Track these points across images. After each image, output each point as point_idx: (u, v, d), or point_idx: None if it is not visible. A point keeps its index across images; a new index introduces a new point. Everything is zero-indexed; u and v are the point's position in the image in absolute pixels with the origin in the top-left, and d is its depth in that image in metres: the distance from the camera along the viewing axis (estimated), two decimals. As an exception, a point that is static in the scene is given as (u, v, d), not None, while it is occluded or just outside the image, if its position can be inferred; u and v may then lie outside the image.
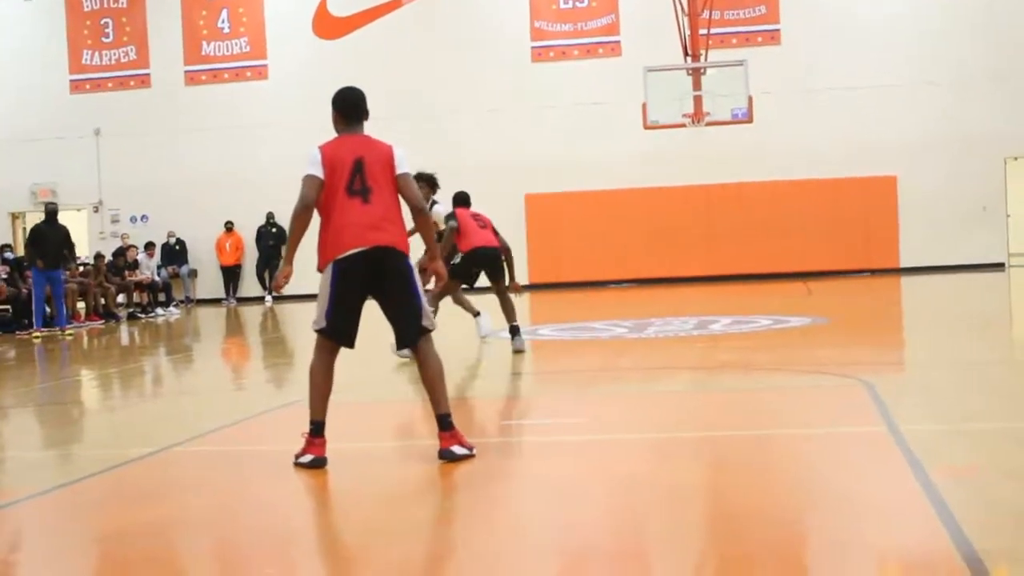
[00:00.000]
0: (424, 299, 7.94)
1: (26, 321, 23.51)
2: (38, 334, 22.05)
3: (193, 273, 31.84)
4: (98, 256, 27.72)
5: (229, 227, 31.35)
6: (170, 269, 30.97)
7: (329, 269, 7.73)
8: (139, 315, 27.45)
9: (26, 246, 23.96)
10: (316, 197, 7.73)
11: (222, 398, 12.29)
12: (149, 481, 7.97)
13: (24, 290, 23.72)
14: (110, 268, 27.46)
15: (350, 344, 7.89)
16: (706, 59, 24.92)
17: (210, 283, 32.06)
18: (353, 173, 7.73)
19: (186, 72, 32.24)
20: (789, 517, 6.14)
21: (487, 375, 12.95)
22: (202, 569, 5.88)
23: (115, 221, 32.53)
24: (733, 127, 25.47)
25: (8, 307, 24.08)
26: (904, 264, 28.95)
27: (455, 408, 7.97)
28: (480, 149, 29.49)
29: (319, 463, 7.71)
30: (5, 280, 23.45)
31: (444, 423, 7.74)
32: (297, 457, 7.79)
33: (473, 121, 29.83)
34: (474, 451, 7.71)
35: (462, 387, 11.63)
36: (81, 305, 25.69)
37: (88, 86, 32.68)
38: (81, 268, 26.92)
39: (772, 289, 24.66)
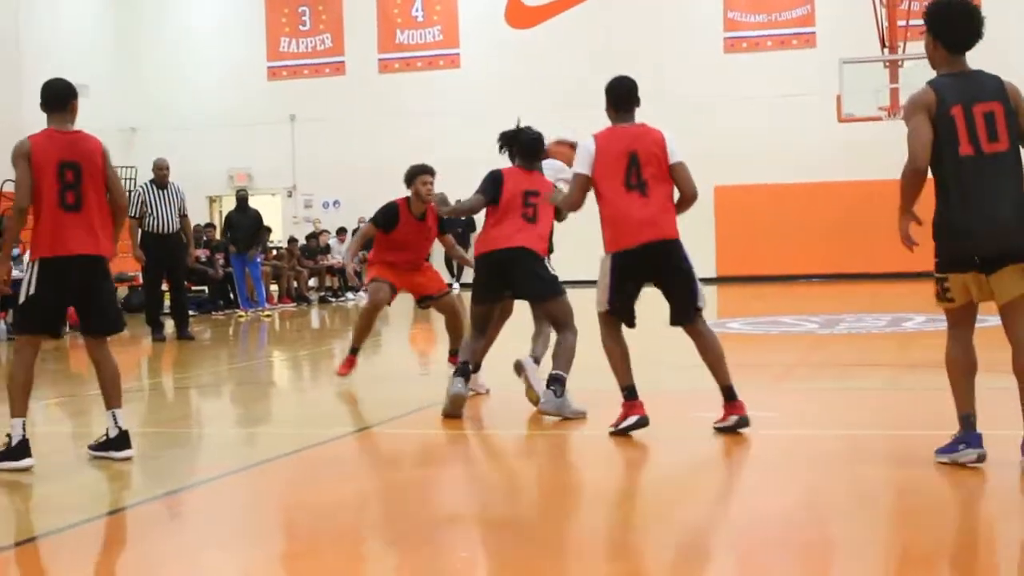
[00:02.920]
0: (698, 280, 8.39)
1: (221, 302, 24.14)
2: (243, 314, 22.69)
3: (383, 259, 32.21)
4: (291, 240, 28.26)
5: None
6: (361, 254, 31.37)
7: (609, 259, 8.09)
8: (330, 299, 27.92)
9: (222, 233, 24.74)
10: (583, 198, 8.17)
11: (410, 382, 12.41)
12: (345, 460, 8.10)
13: (221, 272, 24.31)
14: (303, 252, 27.98)
15: (631, 323, 8.39)
16: (904, 51, 24.41)
17: (399, 269, 32.39)
18: (629, 167, 7.97)
19: (380, 60, 32.69)
20: (977, 515, 6.01)
21: (676, 368, 12.86)
22: (394, 545, 5.93)
23: (308, 206, 33.14)
24: (931, 121, 24.88)
25: (204, 288, 24.71)
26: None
27: (649, 401, 8.04)
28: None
29: (644, 422, 8.10)
30: (204, 263, 24.04)
31: (728, 394, 8.18)
32: (617, 424, 8.10)
33: (664, 111, 29.56)
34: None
35: (651, 379, 11.55)
36: (274, 288, 26.23)
37: (285, 73, 33.34)
38: (275, 252, 27.49)
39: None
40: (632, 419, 8.07)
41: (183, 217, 17.55)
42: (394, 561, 5.67)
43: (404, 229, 11.52)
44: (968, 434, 6.76)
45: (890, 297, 22.37)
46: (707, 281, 31.27)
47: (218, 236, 25.60)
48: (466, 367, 9.45)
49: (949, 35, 6.80)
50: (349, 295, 28.61)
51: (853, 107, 23.92)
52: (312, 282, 28.39)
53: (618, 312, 8.25)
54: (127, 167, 30.84)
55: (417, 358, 16.19)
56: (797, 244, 29.12)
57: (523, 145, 9.60)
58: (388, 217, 11.55)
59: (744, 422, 8.11)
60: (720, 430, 8.13)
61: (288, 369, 14.77)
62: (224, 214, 26.17)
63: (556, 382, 9.07)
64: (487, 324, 9.73)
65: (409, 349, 17.95)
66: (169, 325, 17.96)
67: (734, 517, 6.21)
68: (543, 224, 9.50)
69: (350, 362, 11.77)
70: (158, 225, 17.15)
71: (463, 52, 32.07)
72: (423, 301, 11.92)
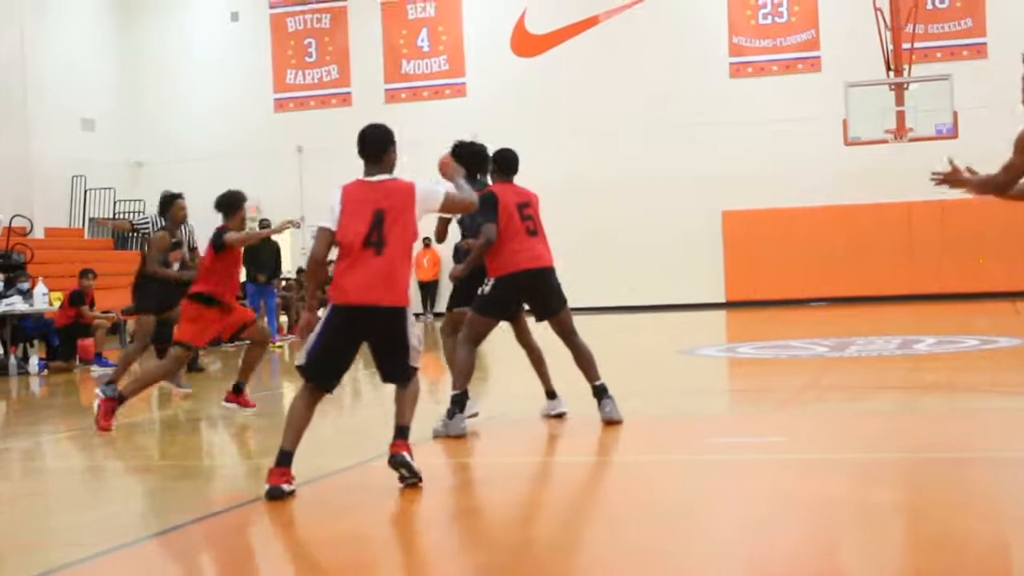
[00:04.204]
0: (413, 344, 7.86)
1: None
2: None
3: (391, 288, 32.17)
4: (300, 271, 28.28)
5: (427, 243, 31.65)
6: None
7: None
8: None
9: (244, 263, 24.75)
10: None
11: (418, 413, 12.38)
12: (357, 489, 8.08)
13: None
14: (312, 283, 27.95)
15: (329, 388, 7.99)
16: (909, 74, 24.46)
17: (408, 298, 32.39)
18: (372, 223, 7.74)
19: (386, 90, 32.77)
20: (991, 541, 5.96)
21: (685, 393, 12.86)
22: (406, 580, 5.94)
23: (315, 237, 33.14)
24: (937, 143, 24.92)
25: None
26: (1117, 284, 27.91)
27: (659, 426, 7.98)
28: (678, 165, 29.39)
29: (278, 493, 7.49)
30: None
31: (402, 433, 7.75)
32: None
33: (670, 137, 29.68)
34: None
35: (662, 404, 11.56)
36: (283, 319, 26.23)
37: (291, 105, 33.44)
38: (284, 283, 27.50)
39: (977, 309, 24.05)
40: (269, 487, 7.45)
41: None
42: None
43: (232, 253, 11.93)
44: None
45: (900, 320, 22.35)
46: (716, 306, 31.11)
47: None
48: (464, 396, 9.93)
49: None
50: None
51: (859, 130, 23.94)
52: (321, 312, 28.36)
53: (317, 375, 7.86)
54: (134, 200, 30.96)
55: (427, 385, 16.15)
56: (805, 268, 29.09)
57: (503, 160, 10.01)
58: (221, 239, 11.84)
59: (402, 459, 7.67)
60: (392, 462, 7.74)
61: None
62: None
63: (604, 392, 9.75)
64: (484, 338, 10.11)
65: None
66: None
67: (744, 543, 6.19)
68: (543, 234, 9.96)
69: (111, 410, 11.18)
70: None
71: (469, 81, 32.14)
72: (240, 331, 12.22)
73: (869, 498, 6.89)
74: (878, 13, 24.47)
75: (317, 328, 7.84)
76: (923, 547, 5.95)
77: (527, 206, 9.90)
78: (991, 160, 27.23)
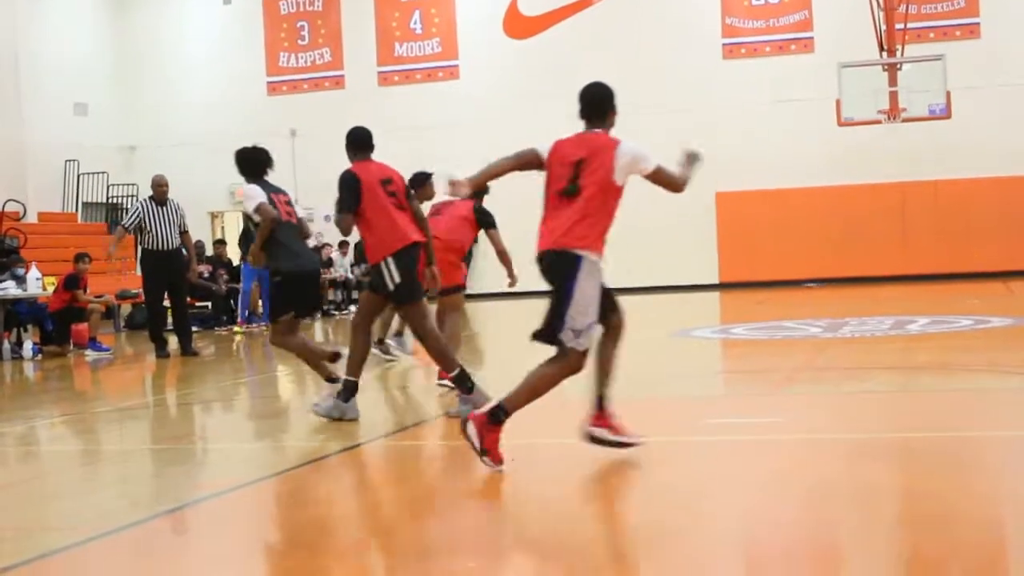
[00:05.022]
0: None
1: (225, 318, 24.13)
2: (239, 329, 22.58)
3: (385, 272, 32.15)
4: (293, 256, 28.25)
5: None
6: (364, 267, 31.41)
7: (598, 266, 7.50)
8: (333, 312, 27.91)
9: (239, 241, 24.74)
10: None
11: (417, 395, 12.42)
12: (351, 472, 8.09)
13: (223, 288, 24.35)
14: (305, 266, 27.95)
15: None
16: (902, 54, 24.49)
17: (401, 281, 32.35)
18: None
19: (379, 73, 32.70)
20: (987, 520, 5.97)
21: (679, 375, 12.86)
22: (402, 558, 5.93)
23: (310, 220, 33.05)
24: (930, 123, 24.95)
25: (208, 304, 24.70)
26: (1109, 263, 27.96)
27: (653, 408, 7.96)
28: (670, 147, 29.30)
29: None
30: (207, 279, 24.06)
31: (494, 411, 7.34)
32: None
33: (663, 118, 29.62)
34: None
35: (655, 386, 11.56)
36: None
37: (285, 88, 33.37)
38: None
39: (970, 289, 24.05)
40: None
41: (184, 233, 17.55)
42: (402, 574, 5.66)
43: None
44: None
45: (893, 300, 22.36)
46: (710, 287, 31.04)
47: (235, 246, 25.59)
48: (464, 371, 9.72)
49: None
50: (353, 308, 28.59)
51: (852, 111, 23.98)
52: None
53: None
54: (128, 184, 30.90)
55: (424, 370, 16.17)
56: (799, 249, 29.11)
57: (357, 139, 10.61)
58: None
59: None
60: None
61: (292, 383, 14.76)
62: (225, 230, 26.19)
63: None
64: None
65: (416, 359, 17.93)
66: (173, 342, 17.95)
67: (740, 523, 6.19)
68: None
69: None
70: (158, 242, 17.15)
71: (462, 63, 32.08)
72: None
73: (866, 478, 6.90)
74: (871, -7, 24.50)
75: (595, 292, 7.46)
76: (920, 526, 5.95)
77: (390, 182, 9.90)
78: (983, 140, 27.52)
